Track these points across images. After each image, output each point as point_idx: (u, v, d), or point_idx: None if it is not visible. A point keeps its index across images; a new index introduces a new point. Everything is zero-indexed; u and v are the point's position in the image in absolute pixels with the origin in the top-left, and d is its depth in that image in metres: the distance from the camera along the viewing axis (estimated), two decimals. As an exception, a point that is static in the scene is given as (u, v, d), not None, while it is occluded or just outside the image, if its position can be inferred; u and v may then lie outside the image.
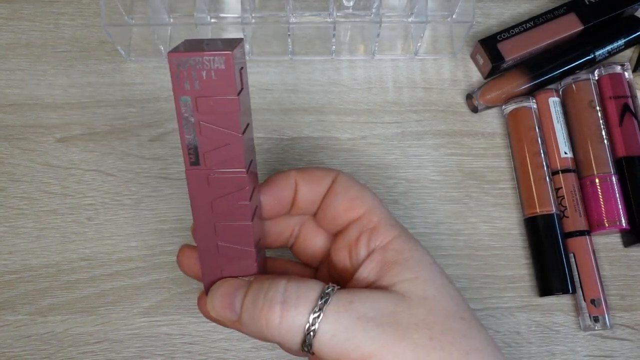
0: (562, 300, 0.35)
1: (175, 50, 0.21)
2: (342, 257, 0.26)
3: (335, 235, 0.27)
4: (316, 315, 0.22)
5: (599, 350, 0.34)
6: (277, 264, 0.29)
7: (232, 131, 0.22)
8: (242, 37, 0.23)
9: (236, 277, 0.25)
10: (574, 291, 0.34)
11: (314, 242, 0.28)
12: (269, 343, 0.33)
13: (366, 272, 0.25)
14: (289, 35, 0.37)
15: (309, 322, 0.22)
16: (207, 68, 0.20)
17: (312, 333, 0.22)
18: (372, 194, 0.27)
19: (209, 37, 0.39)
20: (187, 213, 0.36)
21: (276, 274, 0.24)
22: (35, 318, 0.34)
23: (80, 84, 0.38)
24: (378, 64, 0.40)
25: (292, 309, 0.22)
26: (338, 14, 0.39)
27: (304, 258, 0.29)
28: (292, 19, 0.37)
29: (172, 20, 0.39)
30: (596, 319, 0.33)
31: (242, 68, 0.22)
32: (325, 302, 0.22)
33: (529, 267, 0.35)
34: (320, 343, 0.22)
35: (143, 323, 0.34)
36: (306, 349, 0.22)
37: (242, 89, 0.22)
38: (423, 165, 0.37)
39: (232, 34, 0.40)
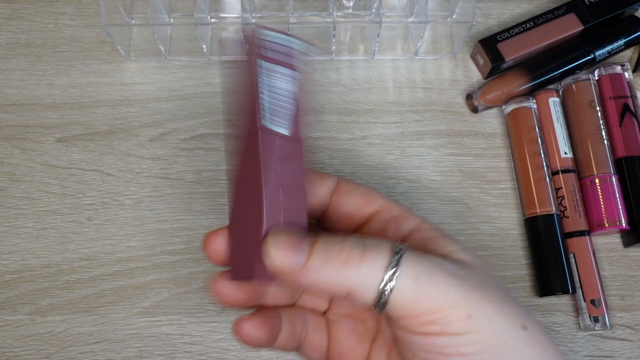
0: (562, 301, 0.35)
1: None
2: None
3: (353, 232, 0.27)
4: (398, 256, 0.21)
5: (599, 351, 0.34)
6: None
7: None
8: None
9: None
10: (574, 291, 0.34)
11: None
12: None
13: None
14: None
15: (391, 263, 0.21)
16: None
17: (392, 272, 0.21)
18: (377, 191, 0.27)
19: (209, 36, 0.39)
20: (187, 213, 0.36)
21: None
22: (35, 318, 0.34)
23: (80, 84, 0.38)
24: (378, 64, 0.40)
25: (373, 250, 0.22)
26: (338, 14, 0.39)
27: None
28: (292, 19, 0.37)
29: (172, 20, 0.40)
30: (596, 319, 0.33)
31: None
32: (403, 248, 0.22)
33: (528, 267, 0.35)
34: (402, 285, 0.21)
35: (143, 323, 0.34)
36: (383, 299, 0.21)
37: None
38: (423, 166, 0.37)
39: (232, 33, 0.40)
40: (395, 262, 0.21)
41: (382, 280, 0.21)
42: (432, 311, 0.21)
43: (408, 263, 0.21)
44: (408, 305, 0.21)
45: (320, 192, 0.27)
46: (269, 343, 0.25)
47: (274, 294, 0.27)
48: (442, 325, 0.21)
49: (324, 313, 0.28)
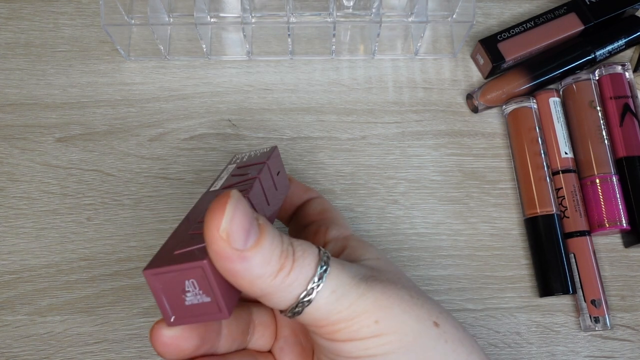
0: (562, 301, 0.35)
1: None
2: None
3: (298, 231, 0.29)
4: (322, 270, 0.21)
5: (600, 351, 0.34)
6: None
7: None
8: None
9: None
10: (575, 292, 0.34)
11: None
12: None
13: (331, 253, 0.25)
14: (289, 35, 0.37)
15: (315, 276, 0.21)
16: None
17: (315, 286, 0.21)
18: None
19: (209, 36, 0.39)
20: (186, 213, 0.36)
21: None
22: (34, 318, 0.34)
23: (80, 84, 0.38)
24: (378, 64, 0.40)
25: (302, 259, 0.21)
26: (338, 14, 0.39)
27: None
28: (292, 19, 0.37)
29: (171, 20, 0.39)
30: (597, 320, 0.33)
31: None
32: (327, 259, 0.22)
33: (529, 267, 0.35)
34: (320, 297, 0.21)
35: (142, 323, 0.34)
36: (298, 309, 0.21)
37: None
38: (423, 165, 0.37)
39: (231, 33, 0.40)
40: (319, 276, 0.21)
41: (304, 291, 0.21)
42: (340, 321, 0.21)
43: (329, 276, 0.21)
44: (319, 316, 0.21)
45: None
46: None
47: (226, 338, 0.24)
48: (350, 332, 0.21)
49: (269, 351, 0.27)
